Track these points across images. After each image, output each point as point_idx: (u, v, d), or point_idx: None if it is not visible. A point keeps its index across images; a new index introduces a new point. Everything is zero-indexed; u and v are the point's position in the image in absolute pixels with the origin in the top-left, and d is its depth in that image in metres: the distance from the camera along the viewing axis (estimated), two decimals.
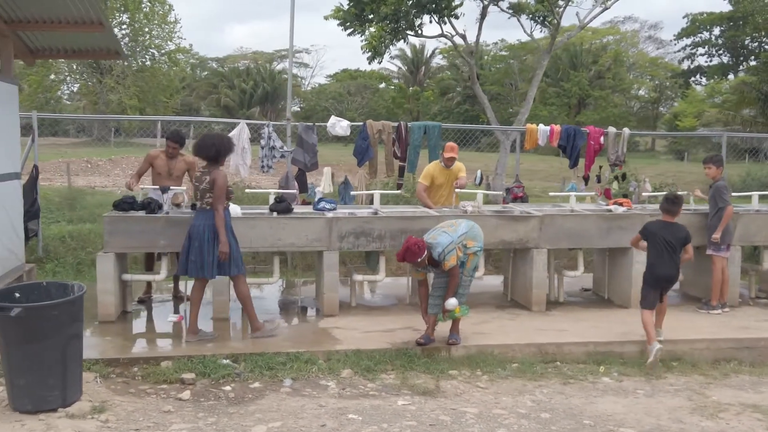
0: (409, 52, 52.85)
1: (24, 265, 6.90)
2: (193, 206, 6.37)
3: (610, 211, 6.76)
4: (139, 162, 26.01)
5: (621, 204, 6.88)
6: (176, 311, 6.60)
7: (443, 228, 5.43)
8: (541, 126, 9.70)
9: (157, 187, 6.48)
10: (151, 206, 6.19)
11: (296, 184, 8.99)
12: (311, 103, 52.94)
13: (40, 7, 6.29)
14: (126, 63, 33.93)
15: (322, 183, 8.94)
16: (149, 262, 6.94)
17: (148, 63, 37.23)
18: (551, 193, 8.30)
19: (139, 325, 6.19)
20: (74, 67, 36.85)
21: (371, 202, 8.89)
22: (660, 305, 5.65)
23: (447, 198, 7.16)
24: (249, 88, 51.50)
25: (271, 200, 6.56)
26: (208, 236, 5.40)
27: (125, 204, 6.22)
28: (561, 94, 43.14)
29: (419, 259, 5.12)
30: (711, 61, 43.75)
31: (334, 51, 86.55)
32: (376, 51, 16.51)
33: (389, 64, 51.87)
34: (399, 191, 8.71)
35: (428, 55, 54.55)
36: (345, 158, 15.62)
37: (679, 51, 45.91)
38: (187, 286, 7.50)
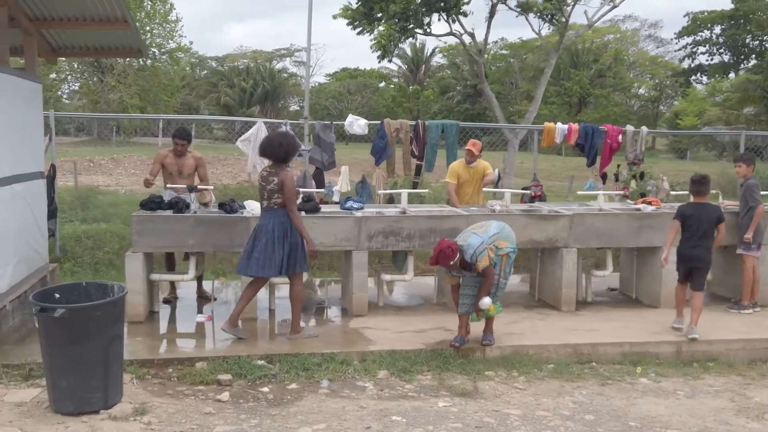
0: (409, 51, 52.78)
1: (48, 265, 6.84)
2: (221, 205, 6.35)
3: (638, 210, 6.72)
4: (142, 161, 25.69)
5: (650, 203, 6.85)
6: (200, 311, 6.54)
7: (473, 229, 5.38)
8: (559, 124, 9.66)
9: (184, 186, 6.43)
10: (178, 206, 6.13)
11: (314, 182, 8.95)
12: (311, 102, 52.86)
13: (66, 4, 6.23)
14: (127, 61, 33.82)
15: (340, 182, 8.88)
16: (170, 262, 6.88)
17: (149, 62, 37.10)
18: (579, 192, 8.26)
19: (167, 325, 6.13)
20: (75, 65, 36.73)
21: (389, 202, 8.86)
22: (692, 299, 5.72)
23: (472, 196, 7.13)
24: (249, 87, 51.37)
25: (299, 200, 6.51)
26: (278, 235, 5.36)
27: (153, 203, 6.17)
28: (562, 93, 43.16)
29: (452, 262, 5.07)
30: (712, 59, 43.81)
31: (334, 50, 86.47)
32: (385, 50, 16.47)
33: (389, 62, 51.74)
34: (426, 190, 8.65)
35: (428, 54, 54.52)
36: (360, 157, 15.59)
37: (679, 50, 45.96)
38: (212, 286, 7.47)
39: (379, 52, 16.43)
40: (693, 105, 39.16)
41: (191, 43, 56.09)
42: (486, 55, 46.83)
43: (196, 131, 36.66)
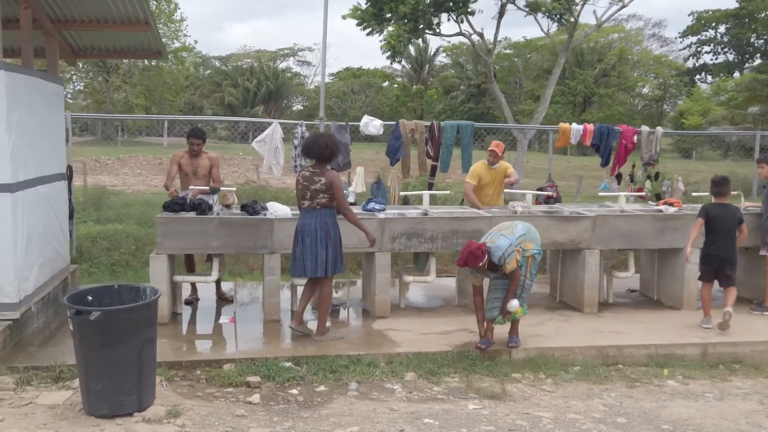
0: (412, 51, 52.72)
1: (69, 266, 6.86)
2: (243, 207, 6.35)
3: (660, 211, 6.71)
4: (148, 161, 25.58)
5: (671, 204, 6.84)
6: (220, 312, 6.54)
7: (500, 231, 5.37)
8: (575, 125, 9.66)
9: (207, 188, 6.43)
10: (201, 207, 6.14)
11: None
12: (315, 102, 52.89)
13: (88, 6, 6.23)
14: (132, 61, 33.83)
15: (355, 182, 8.89)
16: (190, 264, 6.88)
17: (154, 62, 37.12)
18: (600, 193, 8.26)
19: (191, 326, 6.13)
20: (80, 65, 36.73)
21: (404, 203, 8.86)
22: (727, 294, 5.98)
23: (492, 198, 7.12)
24: (252, 87, 51.38)
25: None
26: (321, 236, 5.40)
27: (176, 205, 6.17)
28: (566, 93, 43.12)
29: (481, 264, 5.06)
30: (716, 59, 43.78)
31: (337, 49, 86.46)
32: (395, 50, 16.47)
33: (399, 63, 51.77)
34: (448, 192, 8.65)
35: (432, 54, 54.49)
36: (365, 156, 15.59)
37: (684, 49, 45.94)
38: (235, 288, 7.48)
39: (389, 53, 16.45)
40: (697, 104, 39.12)
41: (196, 42, 56.11)
42: (483, 54, 46.93)
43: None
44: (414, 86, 52.20)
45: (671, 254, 6.68)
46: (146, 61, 36.39)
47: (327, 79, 57.80)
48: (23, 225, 5.38)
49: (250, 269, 8.99)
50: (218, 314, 6.47)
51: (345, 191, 8.65)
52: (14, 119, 5.20)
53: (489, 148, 6.97)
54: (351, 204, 7.25)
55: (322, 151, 5.43)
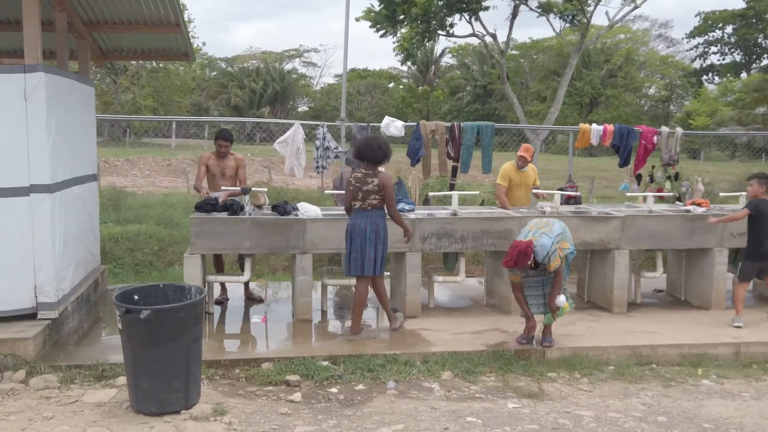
0: (418, 52, 52.70)
1: (100, 267, 6.91)
2: (274, 207, 6.39)
3: (688, 211, 6.74)
4: (156, 162, 25.62)
5: (699, 204, 6.87)
6: (248, 312, 6.59)
7: (540, 229, 5.37)
8: (594, 125, 9.69)
9: (238, 188, 6.47)
10: (233, 208, 6.18)
11: None
12: (320, 103, 52.97)
13: (120, 8, 6.29)
14: (140, 62, 33.90)
15: None
16: (219, 264, 6.93)
17: (162, 63, 37.21)
18: (629, 194, 8.28)
19: (225, 326, 6.17)
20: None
21: (425, 203, 8.90)
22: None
23: (521, 199, 7.17)
24: (259, 88, 51.50)
25: None
26: (370, 236, 5.47)
27: (208, 206, 6.21)
28: (573, 93, 43.15)
29: (529, 262, 5.10)
30: (723, 59, 43.75)
31: (342, 50, 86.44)
32: (408, 52, 16.53)
33: (399, 63, 51.82)
34: (478, 192, 8.69)
35: (438, 55, 54.52)
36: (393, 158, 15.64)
37: (690, 49, 45.92)
38: (266, 288, 7.51)
39: (402, 55, 16.52)
40: (705, 105, 39.12)
41: (204, 44, 56.22)
42: (495, 56, 47.09)
43: (208, 132, 36.87)
44: (420, 87, 52.24)
45: (699, 254, 6.71)
46: (154, 63, 36.53)
47: (332, 80, 57.96)
48: (61, 225, 5.44)
49: (272, 269, 9.04)
50: (247, 314, 6.51)
51: None
52: (53, 120, 5.26)
53: (519, 153, 6.99)
54: None
55: (375, 154, 5.52)
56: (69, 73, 5.96)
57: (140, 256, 8.97)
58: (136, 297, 4.33)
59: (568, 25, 18.13)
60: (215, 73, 56.40)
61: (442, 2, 15.55)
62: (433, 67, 55.04)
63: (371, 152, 5.52)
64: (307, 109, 55.52)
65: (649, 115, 45.82)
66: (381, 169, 5.66)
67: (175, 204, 11.85)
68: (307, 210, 6.29)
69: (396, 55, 16.67)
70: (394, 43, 16.63)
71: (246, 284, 6.99)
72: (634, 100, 46.19)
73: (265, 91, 51.56)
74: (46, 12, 6.00)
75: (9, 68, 5.12)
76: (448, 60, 54.71)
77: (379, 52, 71.78)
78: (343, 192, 8.14)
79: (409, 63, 53.60)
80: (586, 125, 9.70)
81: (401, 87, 54.24)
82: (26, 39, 5.09)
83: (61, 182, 5.47)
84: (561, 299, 5.30)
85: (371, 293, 5.81)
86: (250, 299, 6.92)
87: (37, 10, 5.11)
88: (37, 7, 5.11)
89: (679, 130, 9.75)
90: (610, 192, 17.25)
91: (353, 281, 6.44)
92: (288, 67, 56.18)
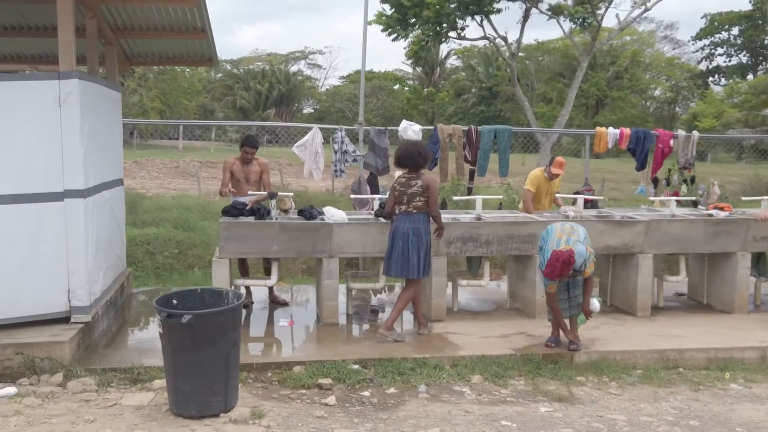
0: (427, 54, 52.75)
1: (126, 270, 6.97)
2: (300, 212, 6.45)
3: (711, 216, 6.78)
4: (164, 164, 25.65)
5: (722, 209, 6.91)
6: (272, 315, 6.64)
7: (569, 236, 5.36)
8: (611, 129, 9.74)
9: (265, 193, 6.53)
10: (260, 212, 6.24)
11: (368, 187, 9.06)
12: (326, 105, 53.06)
13: (148, 14, 6.34)
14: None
15: None
16: (243, 268, 6.99)
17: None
18: (652, 198, 8.32)
19: (252, 329, 6.23)
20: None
21: (442, 206, 8.95)
22: None
23: (543, 206, 7.23)
24: (264, 90, 51.60)
25: (376, 206, 6.61)
26: (412, 239, 5.59)
27: (235, 210, 6.27)
28: (579, 95, 43.08)
29: (571, 270, 5.16)
30: (730, 61, 43.71)
31: (347, 52, 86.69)
32: (417, 56, 16.60)
33: (404, 65, 51.88)
34: (501, 196, 8.73)
35: (443, 57, 54.54)
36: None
37: (696, 51, 45.88)
38: (291, 292, 7.58)
39: (413, 59, 16.58)
40: (711, 107, 39.07)
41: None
42: (500, 58, 47.15)
43: (214, 134, 37.01)
44: (425, 89, 52.27)
45: (722, 258, 6.75)
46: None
47: (337, 82, 58.04)
48: (93, 230, 5.50)
49: (290, 273, 9.10)
50: (272, 317, 6.56)
51: (385, 195, 8.82)
52: (86, 126, 5.32)
53: (553, 167, 6.97)
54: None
55: (415, 160, 5.67)
56: (99, 79, 6.02)
57: (161, 259, 9.04)
58: (174, 301, 4.38)
59: (577, 27, 18.18)
60: (221, 74, 56.53)
61: (453, 5, 15.61)
62: (438, 68, 55.06)
63: (411, 159, 5.67)
64: (313, 110, 55.60)
65: (655, 117, 45.79)
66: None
67: (191, 207, 11.91)
68: (333, 214, 6.35)
69: (408, 58, 16.70)
70: (405, 48, 16.64)
71: (270, 288, 7.05)
72: (640, 101, 46.16)
73: (271, 93, 51.65)
74: (77, 19, 6.06)
75: (44, 75, 5.20)
76: (453, 62, 54.73)
77: (385, 55, 71.71)
78: (364, 196, 8.24)
79: (414, 65, 53.98)
80: (603, 129, 9.76)
81: (406, 89, 54.26)
82: (61, 46, 5.16)
83: (93, 187, 5.53)
84: (595, 305, 5.37)
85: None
86: (275, 303, 6.98)
87: (72, 18, 5.18)
88: (72, 14, 5.17)
89: (696, 134, 9.80)
90: (618, 194, 17.28)
91: (379, 284, 6.53)
92: (293, 69, 56.28)
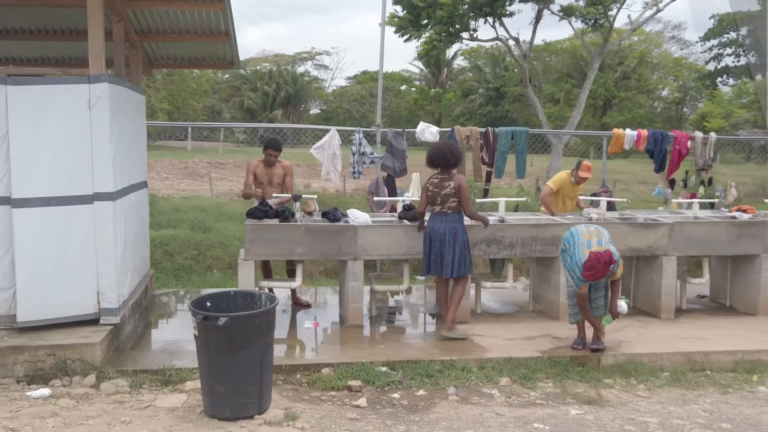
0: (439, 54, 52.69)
1: (150, 272, 7.01)
2: (324, 214, 6.47)
3: (734, 218, 6.77)
4: (173, 165, 25.67)
5: (745, 211, 6.90)
6: (294, 318, 6.66)
7: (599, 238, 5.37)
8: (628, 131, 9.72)
9: (289, 195, 6.56)
10: (284, 214, 6.26)
11: (386, 189, 9.07)
12: (333, 106, 53.11)
13: (174, 18, 6.39)
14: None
15: (412, 188, 9.00)
16: (266, 270, 7.01)
17: None
18: (674, 200, 8.31)
19: (277, 331, 6.18)
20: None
21: None
22: None
23: (565, 208, 7.22)
24: (272, 91, 51.67)
25: (399, 208, 6.63)
26: (449, 238, 5.68)
27: (259, 212, 6.30)
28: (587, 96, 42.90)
29: (609, 271, 5.19)
30: (738, 61, 43.52)
31: (353, 53, 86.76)
32: (429, 55, 16.61)
33: (411, 66, 51.94)
34: (525, 198, 8.74)
35: (450, 57, 54.49)
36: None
37: (705, 51, 45.73)
38: (315, 294, 7.61)
39: (424, 59, 16.59)
40: (719, 107, 38.94)
41: None
42: (508, 58, 47.02)
43: (222, 135, 37.14)
44: (432, 89, 52.25)
45: (746, 260, 6.74)
46: None
47: (344, 83, 58.08)
48: (121, 232, 5.54)
49: (310, 275, 9.12)
50: (295, 319, 6.59)
51: (401, 197, 8.83)
52: (115, 130, 5.36)
53: (581, 171, 6.95)
54: (409, 209, 7.31)
55: (447, 159, 5.75)
56: (125, 82, 6.06)
57: (180, 261, 9.09)
58: (208, 304, 4.41)
59: (588, 27, 18.14)
60: (228, 75, 56.65)
61: (467, 6, 15.62)
62: (445, 69, 55.02)
63: (444, 159, 5.74)
64: (319, 111, 55.66)
65: (663, 118, 45.67)
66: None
67: (206, 208, 11.96)
68: (357, 217, 6.36)
69: (420, 57, 16.73)
70: (417, 47, 16.66)
71: (293, 290, 7.07)
72: (648, 102, 46.03)
73: (278, 94, 51.72)
74: (105, 23, 6.10)
75: (74, 79, 5.23)
76: (460, 62, 54.66)
77: (391, 56, 71.78)
78: (380, 198, 8.24)
79: (421, 66, 53.98)
80: (620, 130, 9.74)
81: (413, 90, 54.25)
82: (91, 50, 5.19)
83: (121, 190, 5.58)
84: (623, 306, 5.38)
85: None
86: (297, 304, 7.00)
87: (102, 22, 5.22)
88: (102, 19, 5.21)
89: (713, 135, 9.78)
90: (629, 195, 17.26)
91: (403, 286, 6.55)
92: (300, 69, 56.35)
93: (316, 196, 6.73)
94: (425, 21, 16.10)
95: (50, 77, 5.40)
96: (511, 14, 15.95)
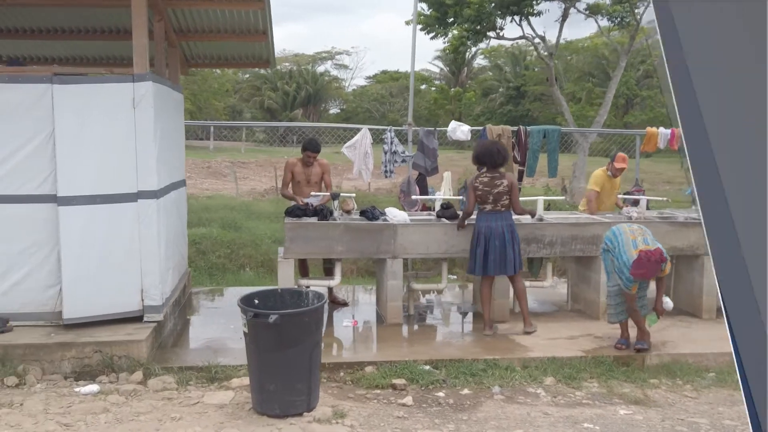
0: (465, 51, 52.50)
1: (188, 269, 7.06)
2: (362, 212, 6.46)
3: None
4: (196, 164, 25.85)
5: None
6: (331, 316, 6.66)
7: (644, 236, 5.31)
8: (662, 129, 9.62)
9: (328, 194, 6.57)
10: (323, 213, 6.27)
11: (417, 188, 9.05)
12: (352, 105, 53.18)
13: (213, 17, 6.42)
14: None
15: (443, 187, 8.97)
16: (303, 268, 7.02)
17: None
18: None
19: None
20: None
21: None
22: None
23: (605, 206, 7.16)
24: (292, 91, 51.87)
25: (437, 207, 6.61)
26: (508, 237, 5.73)
27: (298, 210, 6.31)
28: None
29: (660, 269, 5.16)
30: None
31: (373, 53, 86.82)
32: (457, 51, 16.56)
33: (430, 65, 51.83)
34: (563, 197, 8.68)
35: (470, 56, 54.30)
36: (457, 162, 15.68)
37: None
38: (354, 292, 7.60)
39: (452, 55, 16.55)
40: None
41: None
42: (529, 57, 46.77)
43: (244, 135, 37.36)
44: (452, 89, 52.11)
45: None
46: None
47: (363, 82, 58.14)
48: (163, 230, 5.58)
49: (345, 273, 9.12)
50: (332, 317, 6.59)
51: (433, 196, 8.81)
52: (159, 128, 5.40)
53: (617, 162, 6.89)
54: (447, 207, 7.29)
55: (495, 158, 5.77)
56: (166, 81, 6.10)
57: (213, 259, 9.14)
58: (256, 301, 4.42)
59: (615, 25, 17.96)
60: (248, 75, 56.98)
61: (494, 4, 15.54)
62: (465, 68, 54.84)
63: (491, 157, 5.76)
64: (339, 111, 55.79)
65: None
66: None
67: (235, 207, 12.02)
68: (395, 215, 6.36)
69: (450, 52, 16.69)
70: (444, 43, 16.61)
71: (330, 289, 7.08)
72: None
73: (298, 94, 51.91)
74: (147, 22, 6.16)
75: (119, 78, 5.27)
76: (480, 61, 54.45)
77: (409, 54, 71.53)
78: (417, 197, 8.22)
79: (441, 65, 53.84)
80: (653, 129, 9.64)
81: (433, 89, 54.16)
82: (135, 49, 5.23)
83: (163, 188, 5.62)
84: (669, 304, 5.33)
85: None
86: (334, 303, 7.00)
87: (146, 22, 5.26)
88: (146, 19, 5.25)
89: None
90: (653, 195, 17.08)
91: (441, 285, 6.53)
92: (320, 69, 56.52)
93: (354, 195, 6.73)
94: (451, 19, 16.04)
95: (95, 76, 5.45)
96: (539, 13, 15.83)
